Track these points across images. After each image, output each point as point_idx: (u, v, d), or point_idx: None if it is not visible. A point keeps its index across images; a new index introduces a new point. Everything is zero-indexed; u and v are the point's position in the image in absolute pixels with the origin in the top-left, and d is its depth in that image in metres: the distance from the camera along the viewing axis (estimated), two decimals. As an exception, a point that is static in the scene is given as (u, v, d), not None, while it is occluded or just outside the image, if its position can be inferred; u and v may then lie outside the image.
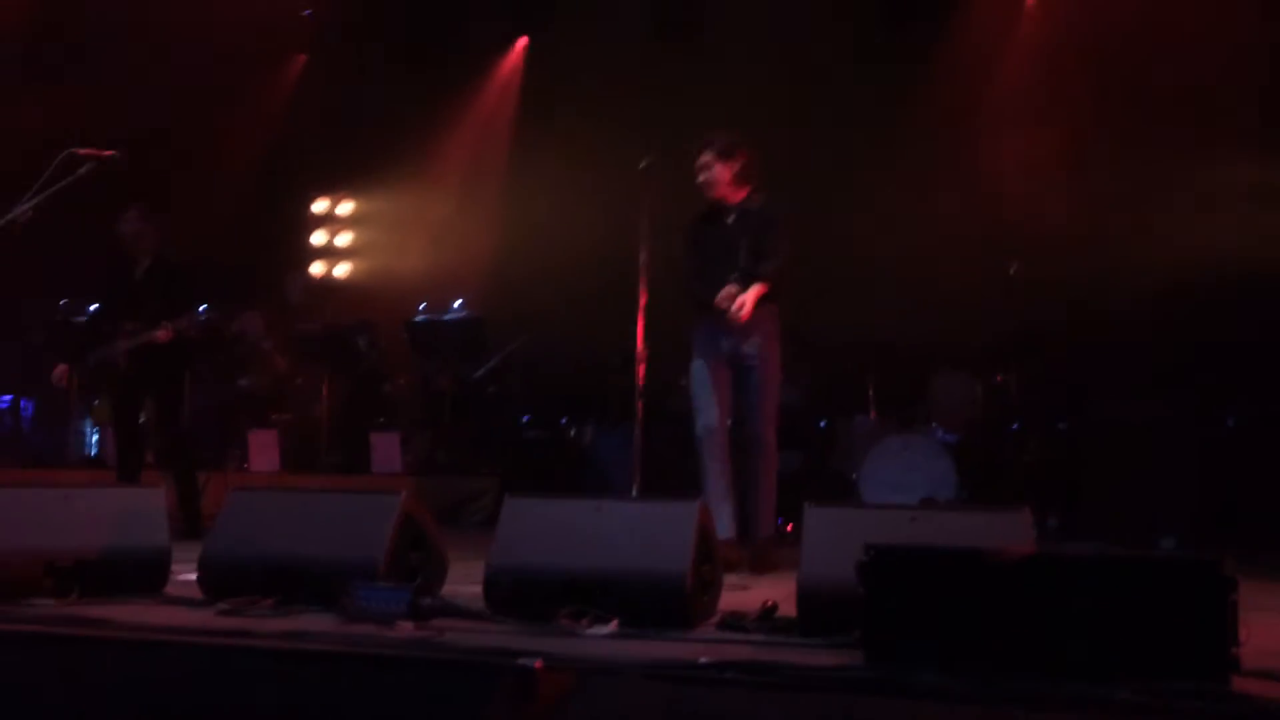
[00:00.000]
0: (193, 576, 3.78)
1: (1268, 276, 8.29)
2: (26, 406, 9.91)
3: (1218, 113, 8.36)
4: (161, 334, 6.16)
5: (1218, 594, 2.53)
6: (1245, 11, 7.97)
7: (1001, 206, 8.58)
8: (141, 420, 6.79)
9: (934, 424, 7.84)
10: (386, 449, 8.73)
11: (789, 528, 6.36)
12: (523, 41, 10.69)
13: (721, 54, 9.33)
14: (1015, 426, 7.60)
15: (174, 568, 3.97)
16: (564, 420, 8.96)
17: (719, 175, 5.11)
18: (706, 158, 5.11)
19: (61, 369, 6.65)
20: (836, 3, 9.50)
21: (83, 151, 4.52)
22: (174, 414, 6.55)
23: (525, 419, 9.29)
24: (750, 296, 4.95)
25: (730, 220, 5.15)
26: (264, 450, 8.77)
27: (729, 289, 4.98)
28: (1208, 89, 8.21)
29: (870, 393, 8.11)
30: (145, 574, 3.84)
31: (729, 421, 5.32)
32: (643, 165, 5.15)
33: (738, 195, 5.15)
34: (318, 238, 11.15)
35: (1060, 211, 8.27)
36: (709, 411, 5.16)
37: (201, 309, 6.26)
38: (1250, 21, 7.98)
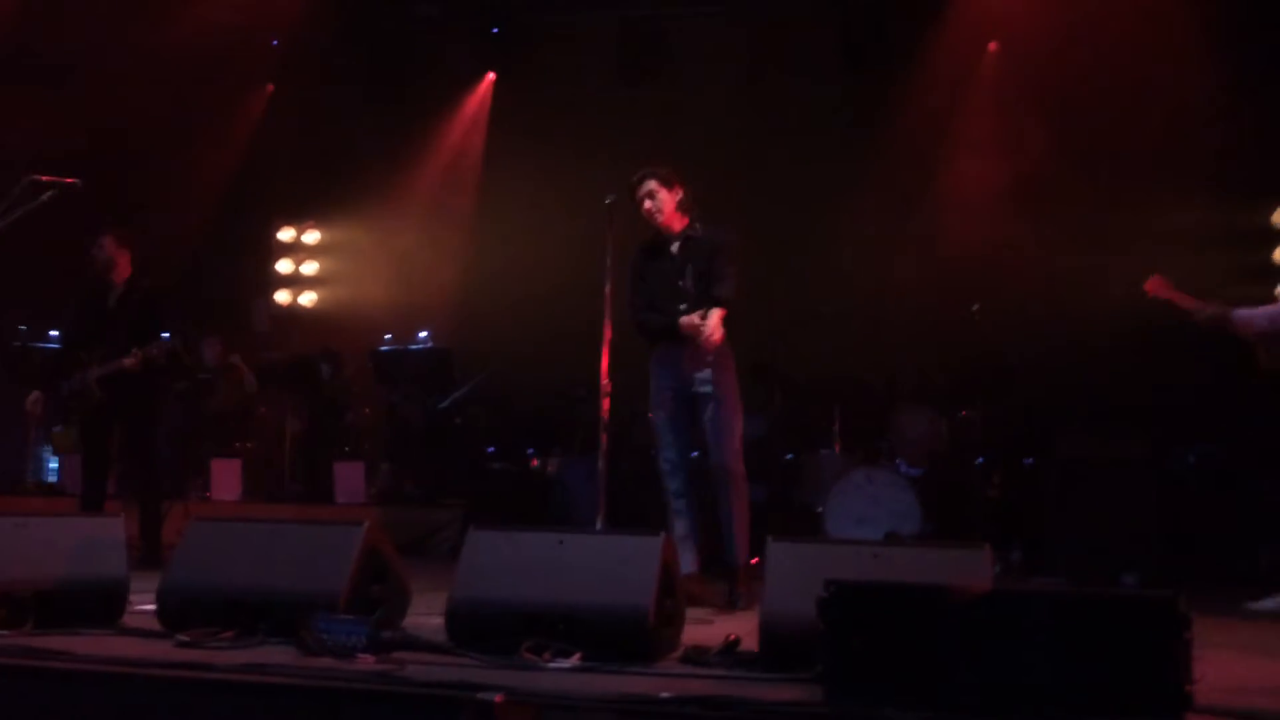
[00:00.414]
0: (151, 607, 3.73)
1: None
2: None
3: (1172, 157, 8.54)
4: (129, 361, 6.15)
5: (1172, 632, 2.56)
6: (1190, 62, 8.17)
7: (964, 246, 8.70)
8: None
9: (898, 458, 7.89)
10: (350, 479, 8.68)
11: (754, 560, 6.36)
12: (490, 77, 10.77)
13: (685, 94, 9.45)
14: (979, 461, 7.66)
15: (132, 598, 3.93)
16: (530, 451, 8.95)
17: (665, 202, 5.13)
18: (651, 185, 5.14)
19: (36, 396, 6.59)
20: (799, 46, 9.65)
21: (45, 178, 4.50)
22: (144, 441, 6.51)
23: (491, 450, 9.27)
24: (714, 321, 4.92)
25: (674, 249, 5.17)
26: (227, 479, 8.68)
27: (692, 317, 4.96)
28: (1161, 134, 8.40)
29: (835, 427, 8.16)
30: (103, 605, 3.79)
31: (693, 454, 5.31)
32: (608, 201, 5.18)
33: (680, 224, 5.18)
34: (284, 266, 11.11)
35: (1022, 252, 8.40)
36: (668, 446, 5.17)
37: (165, 335, 6.23)
38: (1195, 71, 8.19)
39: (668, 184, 5.14)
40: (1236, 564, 7.09)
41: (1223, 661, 3.59)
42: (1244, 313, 5.31)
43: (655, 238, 5.24)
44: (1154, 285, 5.54)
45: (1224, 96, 8.41)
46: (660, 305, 5.11)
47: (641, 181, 5.17)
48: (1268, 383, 5.42)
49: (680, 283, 5.08)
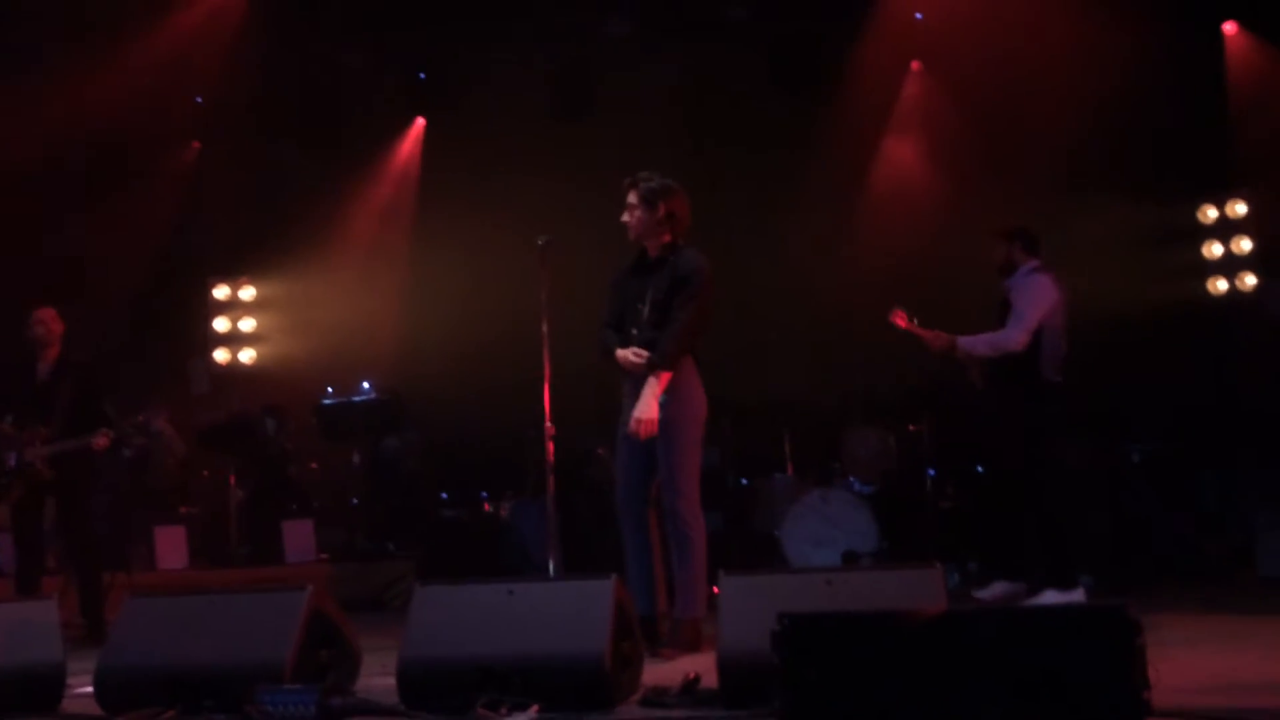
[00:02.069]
0: (90, 690, 3.61)
1: (1158, 314, 8.62)
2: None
3: (1097, 162, 8.71)
4: (101, 441, 6.04)
5: (1124, 640, 2.56)
6: (1111, 68, 8.35)
7: (900, 260, 8.79)
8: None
9: (850, 477, 7.91)
10: (300, 537, 8.52)
11: (714, 590, 6.31)
12: (420, 123, 10.74)
13: (616, 128, 9.48)
14: (931, 474, 7.70)
15: (72, 680, 3.80)
16: (483, 495, 8.85)
17: (640, 220, 4.87)
18: (631, 197, 4.89)
19: None
20: (727, 73, 9.73)
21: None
22: (81, 516, 6.34)
23: (444, 496, 9.16)
24: (650, 404, 4.66)
25: (647, 272, 4.92)
26: (172, 546, 8.47)
27: (626, 353, 4.76)
28: (1085, 140, 8.56)
29: (786, 450, 8.17)
30: (39, 691, 3.67)
31: (651, 491, 4.94)
32: (541, 242, 5.12)
33: (658, 244, 4.90)
34: (221, 324, 10.94)
35: (956, 261, 8.50)
36: (620, 484, 4.94)
37: (140, 418, 6.16)
38: (1117, 77, 8.37)
39: (648, 200, 4.84)
40: (1185, 558, 7.18)
41: (1178, 660, 3.61)
42: (967, 340, 5.67)
43: (640, 252, 4.98)
44: (897, 318, 5.87)
45: (1147, 101, 8.60)
46: (624, 327, 4.89)
47: (627, 190, 4.91)
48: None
49: (639, 306, 4.85)
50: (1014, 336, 5.56)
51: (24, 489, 6.21)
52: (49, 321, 6.34)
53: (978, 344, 5.66)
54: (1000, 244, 5.82)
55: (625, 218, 4.91)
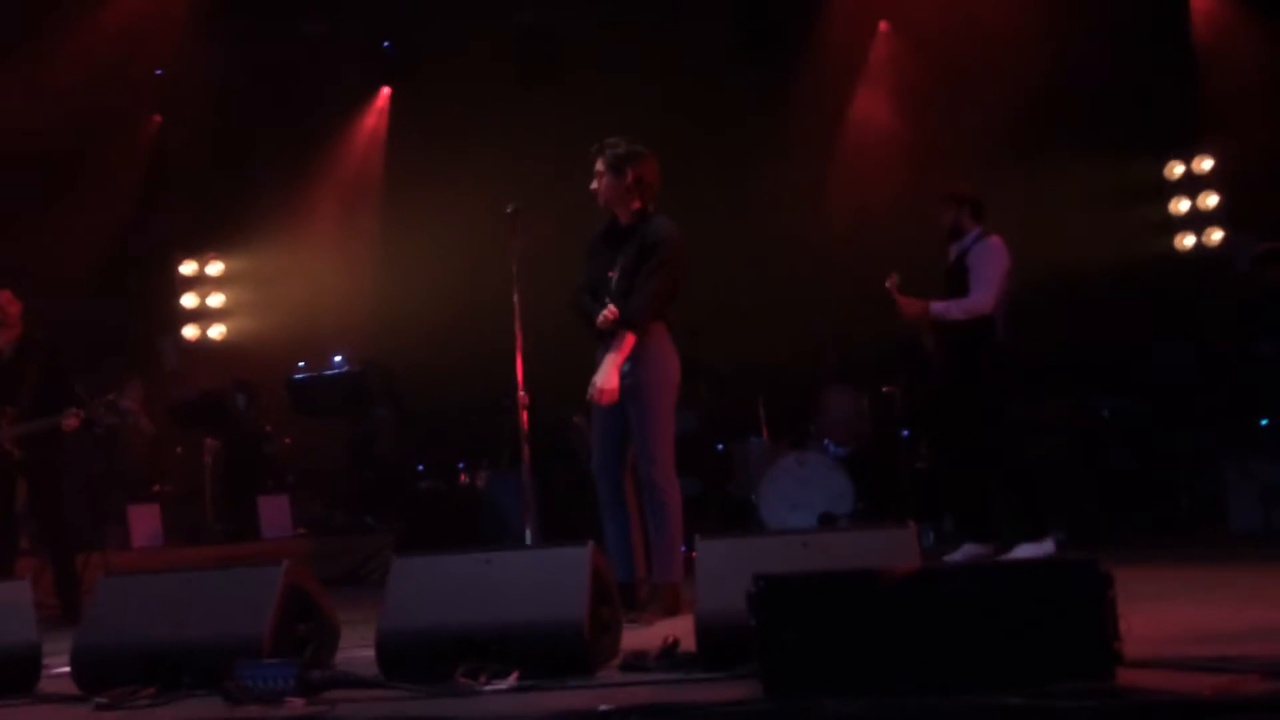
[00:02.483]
0: (67, 670, 3.59)
1: (1126, 270, 8.70)
2: None
3: (1064, 120, 8.74)
4: (71, 421, 5.99)
5: (1096, 592, 2.59)
6: (1076, 24, 8.36)
7: (872, 222, 8.80)
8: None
9: (825, 440, 7.94)
10: (275, 512, 8.48)
11: (693, 554, 6.34)
12: (386, 92, 10.62)
13: (583, 95, 9.43)
14: (905, 434, 7.75)
15: (49, 661, 3.78)
16: (460, 466, 8.84)
17: (606, 187, 4.81)
18: (598, 165, 4.82)
19: None
20: (693, 39, 9.67)
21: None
22: (52, 497, 6.28)
23: (420, 468, 9.14)
24: (610, 373, 4.64)
25: (616, 239, 4.86)
26: (146, 525, 8.42)
27: (605, 312, 4.71)
28: (1051, 98, 8.58)
29: (761, 414, 8.19)
30: (15, 672, 3.64)
31: (626, 458, 4.90)
32: (509, 210, 5.07)
33: (627, 211, 4.83)
34: (189, 300, 10.84)
35: (928, 221, 8.52)
36: (595, 450, 4.94)
37: (110, 396, 6.12)
38: (1081, 34, 8.38)
39: (615, 167, 4.76)
40: (1157, 513, 7.28)
41: (1151, 612, 3.66)
42: (940, 306, 5.77)
43: (611, 219, 4.92)
44: (891, 282, 5.94)
45: (1111, 58, 8.61)
46: (596, 294, 4.84)
47: (594, 157, 4.83)
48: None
49: (610, 274, 4.80)
50: (984, 299, 5.70)
51: None
52: (5, 304, 6.25)
53: (951, 309, 5.75)
54: (949, 208, 5.94)
55: (593, 185, 4.86)
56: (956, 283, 5.80)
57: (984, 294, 5.68)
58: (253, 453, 9.16)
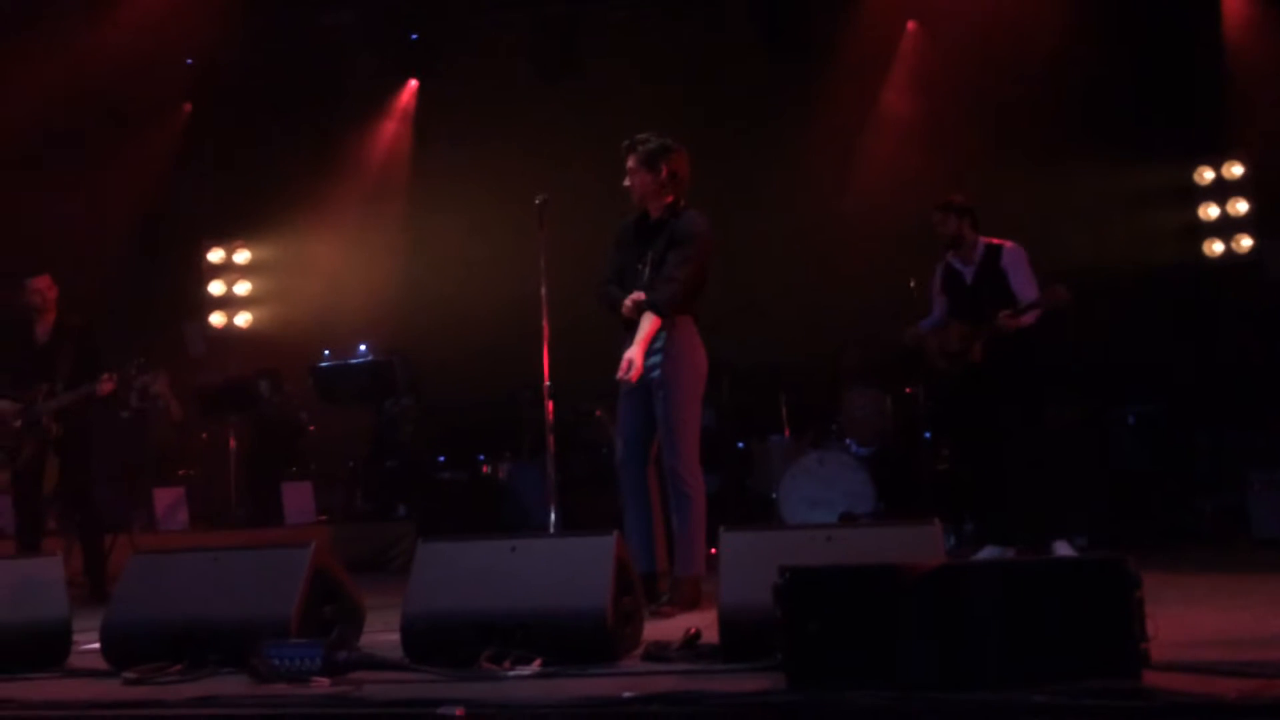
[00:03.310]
0: (96, 646, 3.64)
1: (1154, 276, 8.64)
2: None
3: (1093, 124, 8.68)
4: (106, 385, 6.12)
5: (1123, 592, 2.59)
6: (1107, 28, 8.32)
7: (895, 222, 8.78)
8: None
9: (847, 439, 7.93)
10: (299, 498, 8.54)
11: (712, 550, 6.35)
12: (413, 84, 10.67)
13: (608, 88, 9.44)
14: (927, 435, 7.73)
15: (78, 638, 3.83)
16: (480, 458, 8.87)
17: (640, 183, 4.83)
18: (630, 162, 4.84)
19: None
20: (718, 33, 9.66)
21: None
22: (81, 476, 6.39)
23: (441, 459, 9.18)
24: (637, 351, 4.66)
25: (647, 232, 4.88)
26: (171, 508, 8.50)
27: (633, 296, 4.75)
28: (1080, 101, 8.54)
29: (784, 412, 8.19)
30: (46, 647, 3.70)
31: (651, 450, 4.94)
32: (538, 201, 5.09)
33: (659, 206, 4.85)
34: (216, 288, 10.91)
35: (952, 225, 8.49)
36: (621, 442, 4.95)
37: (140, 360, 6.21)
38: (1113, 37, 8.34)
39: (648, 164, 4.79)
40: (1180, 519, 7.24)
41: (1175, 616, 3.65)
42: (1027, 317, 5.84)
43: (642, 213, 4.93)
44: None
45: (1141, 61, 8.56)
46: (624, 286, 4.86)
47: (626, 154, 4.84)
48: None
49: (640, 267, 4.83)
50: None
51: (33, 447, 6.25)
52: (44, 290, 6.43)
53: (1028, 316, 5.83)
54: (950, 219, 6.03)
55: (627, 183, 4.87)
56: (992, 291, 5.87)
57: (1036, 293, 5.79)
58: (278, 440, 9.23)
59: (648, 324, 4.71)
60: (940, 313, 6.28)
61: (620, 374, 4.72)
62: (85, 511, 6.40)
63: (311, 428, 9.50)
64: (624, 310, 4.77)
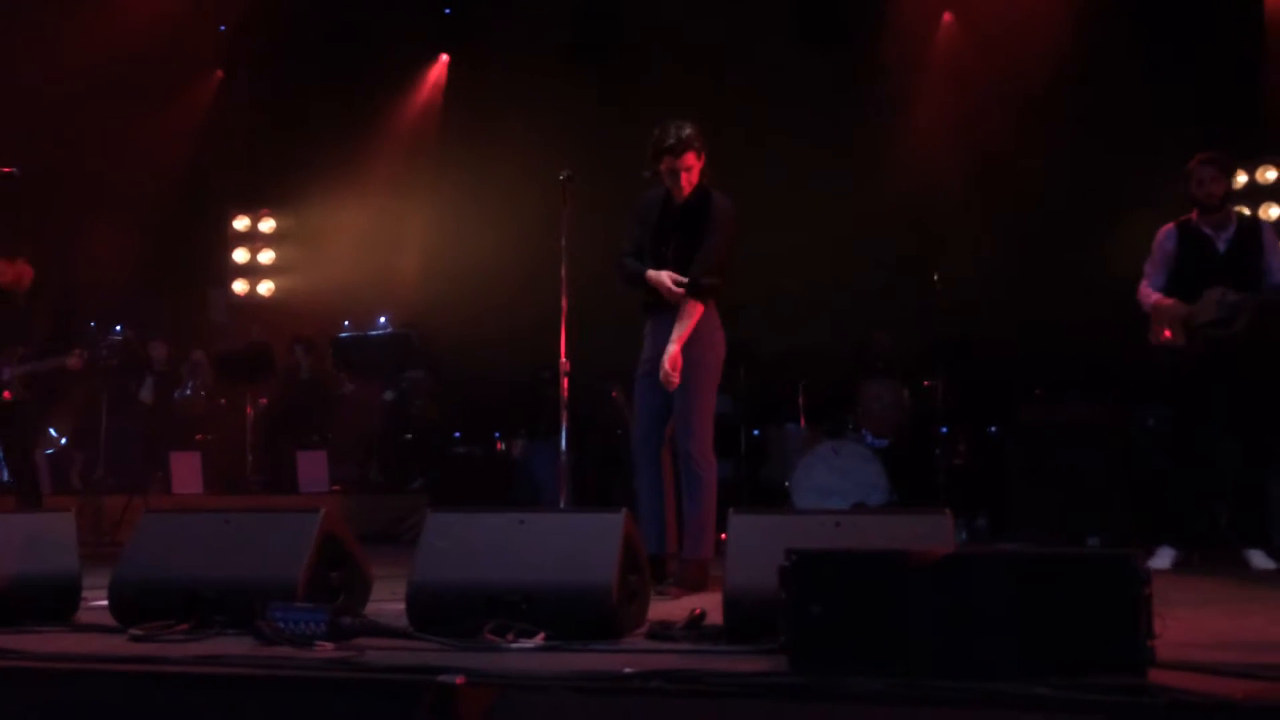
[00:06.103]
0: (104, 602, 3.67)
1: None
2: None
3: (1132, 126, 8.58)
4: (74, 361, 6.17)
5: (1132, 588, 2.56)
6: (1155, 25, 8.21)
7: (923, 217, 8.72)
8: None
9: (863, 430, 7.91)
10: (314, 467, 8.59)
11: (722, 536, 6.34)
12: (444, 59, 10.66)
13: (640, 70, 9.41)
14: (943, 430, 7.69)
15: (87, 594, 3.86)
16: (496, 435, 8.90)
17: (695, 174, 4.73)
18: (690, 159, 4.70)
19: None
20: (752, 22, 9.61)
21: (-14, 168, 4.42)
22: (29, 438, 6.58)
23: (456, 434, 9.21)
24: (676, 352, 4.64)
25: (674, 214, 4.82)
26: (187, 472, 8.57)
27: (662, 275, 4.68)
28: (1124, 98, 8.43)
29: (800, 401, 8.17)
30: (55, 601, 3.72)
31: (666, 432, 4.93)
32: (562, 177, 5.06)
33: (691, 186, 4.79)
34: (240, 255, 10.96)
35: (977, 220, 8.46)
36: (638, 422, 4.94)
37: (117, 329, 6.24)
38: (1160, 34, 8.23)
39: (701, 151, 4.73)
40: (1197, 523, 7.16)
41: (1185, 617, 3.62)
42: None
43: (666, 191, 4.83)
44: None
45: (1177, 64, 8.45)
46: (644, 261, 4.82)
47: (679, 152, 4.66)
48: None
49: (663, 250, 4.79)
50: None
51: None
52: (22, 268, 6.43)
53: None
54: (1223, 177, 5.45)
55: (683, 179, 4.74)
56: (1247, 263, 5.33)
57: None
58: (295, 408, 9.27)
59: (692, 315, 4.67)
60: (1161, 282, 5.63)
61: (662, 378, 4.69)
62: (28, 473, 6.50)
63: (352, 386, 9.50)
64: (663, 289, 4.69)
